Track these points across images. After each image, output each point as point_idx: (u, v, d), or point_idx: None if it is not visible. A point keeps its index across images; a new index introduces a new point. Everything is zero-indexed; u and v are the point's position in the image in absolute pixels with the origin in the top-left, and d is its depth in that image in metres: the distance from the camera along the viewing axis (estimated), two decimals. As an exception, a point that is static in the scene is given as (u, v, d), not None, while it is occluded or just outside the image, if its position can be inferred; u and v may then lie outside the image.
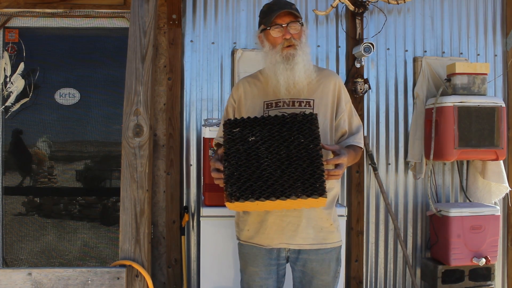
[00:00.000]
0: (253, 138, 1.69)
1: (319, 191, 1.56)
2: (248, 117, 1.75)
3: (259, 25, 1.93)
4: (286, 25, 1.82)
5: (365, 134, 3.27)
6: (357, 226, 3.23)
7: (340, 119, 1.94)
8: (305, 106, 1.90)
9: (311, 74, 1.89)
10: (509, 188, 3.18)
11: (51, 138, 3.24)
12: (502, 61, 3.42)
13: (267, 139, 1.69)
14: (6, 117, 3.20)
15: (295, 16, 1.84)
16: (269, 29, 1.85)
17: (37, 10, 3.15)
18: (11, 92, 3.17)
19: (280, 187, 1.59)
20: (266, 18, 1.86)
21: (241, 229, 2.00)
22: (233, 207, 1.65)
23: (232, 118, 2.02)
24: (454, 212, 3.00)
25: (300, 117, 1.72)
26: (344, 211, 2.55)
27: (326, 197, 1.57)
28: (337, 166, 1.71)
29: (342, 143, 1.94)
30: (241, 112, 1.98)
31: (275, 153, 1.66)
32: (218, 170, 1.72)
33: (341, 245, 1.99)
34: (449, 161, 3.26)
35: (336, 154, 1.74)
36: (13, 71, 3.17)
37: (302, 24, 1.86)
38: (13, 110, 3.19)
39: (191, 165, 3.18)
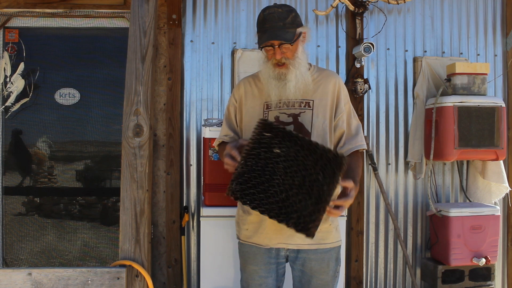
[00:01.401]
0: (278, 151, 1.65)
1: (308, 233, 1.61)
2: (284, 128, 1.67)
3: (256, 32, 1.91)
4: (277, 46, 1.81)
5: (365, 134, 3.27)
6: (357, 226, 3.23)
7: (338, 119, 1.94)
8: (304, 106, 1.91)
9: (307, 81, 1.89)
10: (509, 188, 3.18)
11: (51, 138, 3.24)
12: (502, 61, 3.42)
13: (290, 159, 1.65)
14: (6, 117, 3.20)
15: (286, 39, 1.81)
16: (262, 49, 1.86)
17: (37, 10, 3.15)
18: (11, 92, 3.17)
19: (277, 209, 1.61)
20: (259, 34, 1.85)
21: (241, 228, 2.01)
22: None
23: (233, 118, 2.03)
24: (454, 212, 3.00)
25: (331, 155, 1.64)
26: (344, 211, 2.55)
27: (312, 238, 1.62)
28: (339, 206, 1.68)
29: (346, 151, 1.93)
30: (242, 112, 1.99)
31: (289, 176, 1.64)
32: (232, 157, 1.72)
33: (340, 245, 1.99)
34: (449, 161, 3.26)
35: (344, 193, 1.70)
36: (13, 71, 3.17)
37: (299, 36, 1.83)
38: (13, 110, 3.19)
39: (191, 165, 3.18)
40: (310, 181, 1.62)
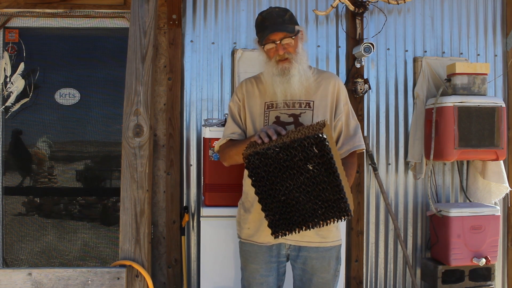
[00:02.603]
0: (311, 168, 1.64)
1: (275, 235, 1.70)
2: (331, 158, 1.62)
3: (256, 34, 1.95)
4: (279, 41, 1.84)
5: (365, 134, 3.27)
6: (357, 226, 3.23)
7: (338, 120, 1.97)
8: (305, 107, 1.93)
9: (309, 79, 1.92)
10: (509, 188, 3.18)
11: (51, 138, 3.24)
12: (502, 61, 3.42)
13: (312, 181, 1.64)
14: (6, 117, 3.20)
15: (288, 31, 1.85)
16: (263, 47, 1.89)
17: (37, 10, 3.15)
18: (11, 92, 3.17)
19: (269, 202, 1.67)
20: (260, 34, 1.89)
21: (242, 227, 2.03)
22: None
23: (238, 117, 2.02)
24: (454, 212, 3.00)
25: (344, 206, 1.64)
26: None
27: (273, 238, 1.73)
28: None
29: (344, 152, 1.95)
30: (245, 111, 2.01)
31: (299, 191, 1.65)
32: (277, 133, 1.71)
33: (340, 244, 2.01)
34: (449, 161, 3.26)
35: None
36: (13, 71, 3.17)
37: (297, 33, 1.88)
38: (13, 110, 3.19)
39: (191, 165, 3.18)
40: (310, 207, 1.66)
